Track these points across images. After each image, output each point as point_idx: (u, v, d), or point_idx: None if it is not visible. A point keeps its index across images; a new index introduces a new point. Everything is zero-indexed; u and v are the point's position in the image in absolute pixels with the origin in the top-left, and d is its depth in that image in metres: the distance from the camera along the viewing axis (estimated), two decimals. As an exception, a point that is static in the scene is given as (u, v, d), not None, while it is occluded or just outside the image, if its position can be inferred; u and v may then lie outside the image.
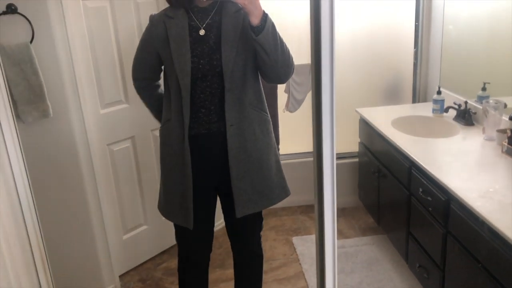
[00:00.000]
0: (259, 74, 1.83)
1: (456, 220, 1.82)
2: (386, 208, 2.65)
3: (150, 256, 2.87)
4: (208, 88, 1.75)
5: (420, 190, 2.10)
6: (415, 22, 3.12)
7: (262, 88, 1.87)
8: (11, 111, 1.44)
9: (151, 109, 2.02)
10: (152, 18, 1.81)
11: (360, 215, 3.23)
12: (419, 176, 2.13)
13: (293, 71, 1.78)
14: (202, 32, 1.73)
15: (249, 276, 2.14)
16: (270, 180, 1.87)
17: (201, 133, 1.79)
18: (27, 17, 2.01)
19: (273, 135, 1.91)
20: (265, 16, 1.63)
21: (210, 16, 1.74)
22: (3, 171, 1.38)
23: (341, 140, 3.33)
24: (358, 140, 3.04)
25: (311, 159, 3.23)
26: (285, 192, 1.94)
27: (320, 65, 0.83)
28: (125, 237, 2.70)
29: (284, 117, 3.17)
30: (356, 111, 2.97)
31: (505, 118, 2.22)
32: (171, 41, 1.74)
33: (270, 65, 1.70)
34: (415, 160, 2.14)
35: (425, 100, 3.16)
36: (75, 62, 2.19)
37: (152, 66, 1.89)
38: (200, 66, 1.73)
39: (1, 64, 1.36)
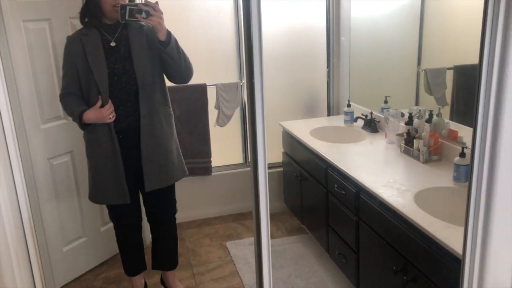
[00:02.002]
0: (164, 76, 2.29)
1: (365, 208, 2.18)
2: (308, 208, 2.98)
3: (90, 267, 2.96)
4: (124, 89, 2.19)
5: (335, 186, 2.45)
6: (327, 46, 3.56)
7: (167, 88, 2.33)
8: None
9: (74, 109, 2.21)
10: (70, 38, 2.22)
11: (287, 218, 3.54)
12: (334, 175, 2.48)
13: (192, 74, 2.28)
14: (113, 43, 2.18)
15: (164, 249, 2.55)
16: (172, 162, 2.32)
17: (122, 126, 2.22)
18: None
19: (174, 126, 2.37)
20: (169, 33, 2.12)
21: (118, 31, 2.19)
22: None
23: (267, 151, 3.66)
24: (282, 150, 3.38)
25: (241, 170, 3.63)
26: (183, 173, 2.41)
27: (253, 87, 1.10)
28: (65, 249, 2.78)
29: (214, 131, 3.44)
30: (280, 124, 3.31)
31: (402, 124, 2.65)
32: (88, 54, 2.15)
33: (176, 69, 2.20)
34: (331, 161, 2.50)
35: (338, 113, 3.59)
36: (17, 79, 2.31)
37: (76, 80, 2.20)
38: (116, 70, 2.17)
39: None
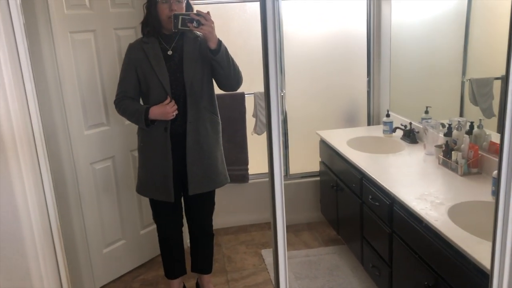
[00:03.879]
0: (213, 85, 2.38)
1: (398, 220, 2.13)
2: (344, 219, 2.95)
3: (128, 269, 3.05)
4: (174, 95, 2.30)
5: (370, 197, 2.41)
6: (367, 53, 3.52)
7: (215, 96, 2.41)
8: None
9: (136, 107, 2.32)
10: (131, 45, 2.36)
11: (323, 228, 3.51)
12: (368, 185, 2.44)
13: (241, 82, 2.37)
14: (170, 52, 2.30)
15: (203, 251, 2.63)
16: (216, 168, 2.41)
17: (171, 128, 2.32)
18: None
19: (220, 133, 2.45)
20: (219, 42, 2.22)
21: (174, 41, 2.32)
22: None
23: (305, 161, 3.66)
24: (319, 159, 3.36)
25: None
26: (226, 179, 2.49)
27: (269, 93, 1.11)
28: (105, 251, 2.89)
29: (252, 139, 3.47)
30: (317, 133, 3.30)
31: (442, 135, 2.57)
32: (151, 59, 2.28)
33: (225, 77, 2.30)
34: (365, 172, 2.46)
35: (378, 123, 3.53)
36: (63, 88, 2.44)
37: (135, 84, 2.34)
38: (169, 77, 2.28)
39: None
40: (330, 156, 3.09)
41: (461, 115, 2.66)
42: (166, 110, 2.25)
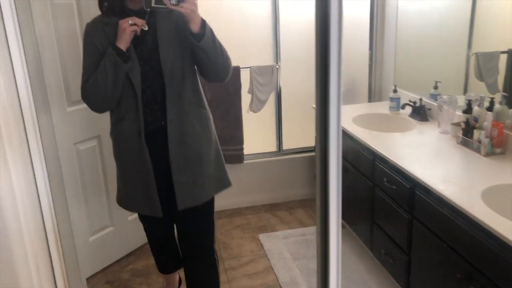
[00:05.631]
0: (197, 73, 1.90)
1: (421, 205, 1.96)
2: (349, 201, 2.76)
3: (117, 258, 2.83)
4: (149, 88, 1.82)
5: (385, 180, 2.22)
6: (370, 25, 3.30)
7: (201, 86, 1.94)
8: None
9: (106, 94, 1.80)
10: (90, 26, 1.83)
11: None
12: (383, 167, 2.25)
13: (230, 71, 1.88)
14: (139, 34, 1.75)
15: (201, 283, 2.09)
16: (210, 173, 1.94)
17: (149, 132, 1.86)
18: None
19: (213, 129, 1.98)
20: (204, 23, 1.73)
21: (145, 19, 1.77)
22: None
23: (298, 136, 3.46)
24: (315, 134, 3.15)
25: (274, 158, 3.40)
26: (225, 185, 2.01)
27: (328, 62, 0.88)
28: (91, 238, 2.64)
29: (248, 117, 3.24)
30: (313, 107, 3.08)
31: (458, 112, 2.40)
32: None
33: (211, 66, 1.81)
34: (379, 152, 2.27)
35: (380, 100, 3.33)
36: (43, 60, 2.15)
37: None
38: (140, 67, 1.78)
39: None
40: (333, 134, 2.89)
41: (465, 90, 2.52)
42: (121, 28, 1.70)
